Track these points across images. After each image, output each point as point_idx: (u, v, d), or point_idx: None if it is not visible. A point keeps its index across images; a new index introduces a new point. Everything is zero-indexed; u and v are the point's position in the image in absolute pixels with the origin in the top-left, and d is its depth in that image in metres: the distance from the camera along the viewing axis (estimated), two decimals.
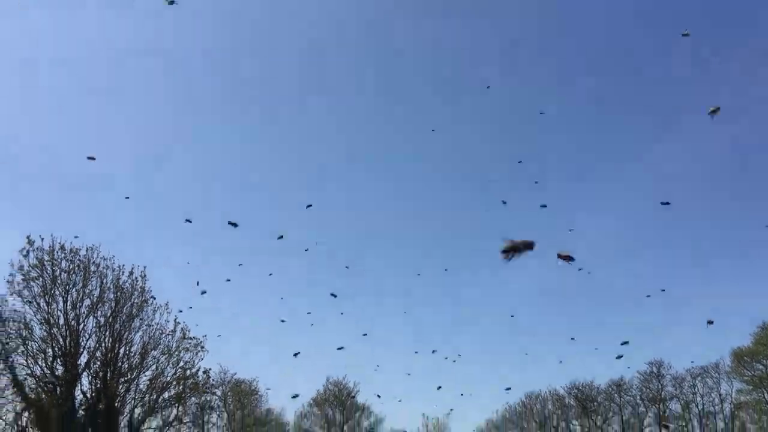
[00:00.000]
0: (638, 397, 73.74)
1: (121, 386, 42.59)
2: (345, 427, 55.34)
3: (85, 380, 41.95)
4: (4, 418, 42.59)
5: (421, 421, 55.18)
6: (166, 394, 43.85)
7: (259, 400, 51.80)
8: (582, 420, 59.53)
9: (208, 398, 45.33)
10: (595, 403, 58.38)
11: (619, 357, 46.09)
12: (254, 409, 51.20)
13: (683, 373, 79.36)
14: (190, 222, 45.52)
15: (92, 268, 42.81)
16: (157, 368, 43.59)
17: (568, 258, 10.19)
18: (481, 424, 58.06)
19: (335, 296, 42.66)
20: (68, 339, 41.55)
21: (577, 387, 58.56)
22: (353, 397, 55.39)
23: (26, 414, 40.96)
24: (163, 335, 43.99)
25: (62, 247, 41.94)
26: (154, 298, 44.09)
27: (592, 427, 59.53)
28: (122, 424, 42.57)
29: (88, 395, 41.91)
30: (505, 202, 44.15)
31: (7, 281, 39.92)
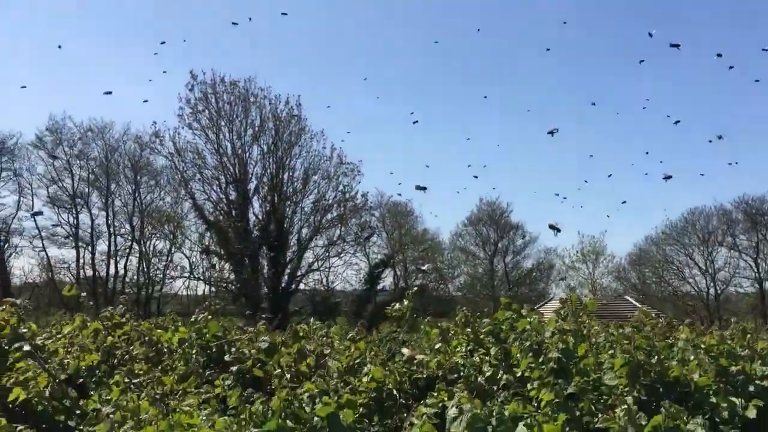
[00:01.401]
0: None
1: (287, 209, 45.84)
2: (499, 245, 53.87)
3: (255, 204, 45.98)
4: (190, 238, 48.76)
5: (577, 239, 51.52)
6: (328, 216, 46.30)
7: (415, 221, 52.30)
8: (750, 235, 50.87)
9: (367, 219, 46.71)
10: (767, 218, 49.36)
11: None
12: (411, 228, 51.91)
13: None
14: None
15: (251, 99, 45.39)
16: (318, 192, 46.00)
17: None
18: (639, 242, 52.67)
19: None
20: (237, 167, 45.51)
21: (746, 201, 49.66)
22: (507, 216, 53.42)
23: (208, 234, 46.25)
24: (322, 161, 45.74)
25: (222, 80, 45.01)
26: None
27: (761, 240, 50.69)
28: (291, 243, 46.12)
29: (260, 217, 45.96)
30: None
31: (178, 115, 44.18)
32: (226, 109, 45.64)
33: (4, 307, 5.60)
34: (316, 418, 4.11)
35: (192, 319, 5.81)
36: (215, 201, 46.17)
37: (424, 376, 6.30)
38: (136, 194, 51.10)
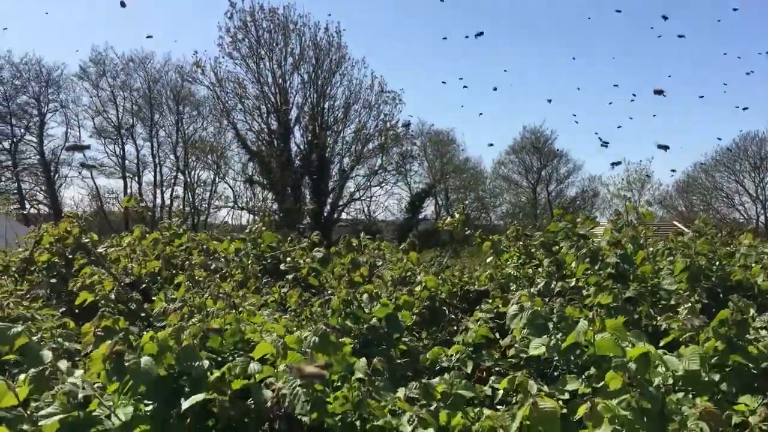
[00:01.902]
0: None
1: (329, 138, 45.78)
2: (542, 173, 53.10)
3: (297, 133, 46.00)
4: (233, 168, 49.26)
5: (623, 167, 50.15)
6: (370, 145, 46.15)
7: (457, 149, 51.72)
8: None
9: (408, 148, 46.39)
10: None
11: None
12: (452, 157, 51.43)
13: None
14: None
15: (290, 26, 44.82)
16: (359, 121, 45.71)
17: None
18: (688, 168, 51.09)
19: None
20: (278, 96, 45.36)
21: None
22: (550, 144, 52.38)
23: (251, 164, 46.66)
24: (363, 90, 45.30)
25: (261, 8, 44.44)
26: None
27: None
28: (333, 172, 46.26)
29: (301, 147, 46.05)
30: None
31: (218, 44, 43.97)
32: (265, 38, 45.22)
33: (66, 219, 5.76)
34: (374, 319, 4.18)
35: (247, 231, 5.90)
36: (257, 131, 46.33)
37: (476, 288, 6.34)
38: (179, 125, 51.55)
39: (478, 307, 5.00)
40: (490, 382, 4.08)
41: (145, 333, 2.80)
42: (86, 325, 3.08)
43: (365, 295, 4.15)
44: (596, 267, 4.63)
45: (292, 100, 45.81)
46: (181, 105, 50.94)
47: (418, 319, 5.39)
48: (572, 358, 3.68)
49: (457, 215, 6.48)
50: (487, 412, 3.25)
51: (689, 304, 3.64)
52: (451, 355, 4.44)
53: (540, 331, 3.50)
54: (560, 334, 3.53)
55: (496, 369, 4.40)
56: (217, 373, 2.72)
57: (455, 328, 5.55)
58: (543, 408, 2.81)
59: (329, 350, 2.67)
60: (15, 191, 48.24)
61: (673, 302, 4.07)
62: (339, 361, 2.72)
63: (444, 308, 5.78)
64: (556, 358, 3.77)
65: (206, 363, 2.75)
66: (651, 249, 5.08)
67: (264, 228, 5.81)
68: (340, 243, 5.53)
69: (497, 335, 4.74)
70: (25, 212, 44.11)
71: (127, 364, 2.52)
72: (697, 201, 51.84)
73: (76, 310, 5.12)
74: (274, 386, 2.65)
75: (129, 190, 50.90)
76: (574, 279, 5.34)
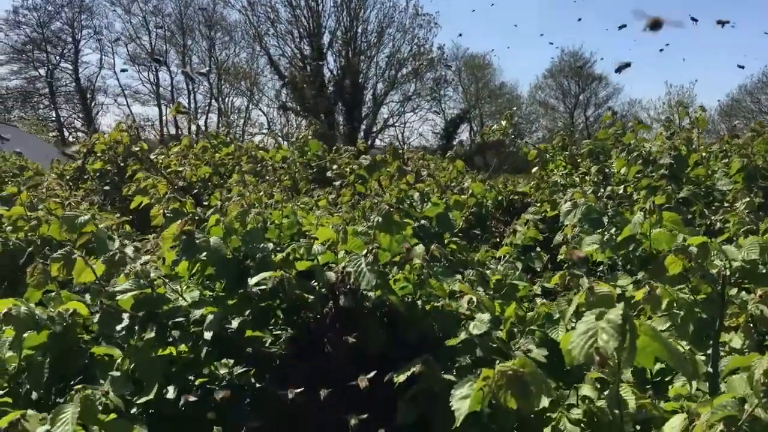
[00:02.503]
0: None
1: (362, 63, 45.21)
2: (580, 97, 51.89)
3: (330, 59, 45.48)
4: (267, 94, 49.10)
5: (665, 90, 48.45)
6: (404, 70, 45.50)
7: (493, 74, 50.62)
8: None
9: (443, 73, 45.61)
10: None
11: None
12: (488, 82, 50.45)
13: None
14: None
15: None
16: (393, 46, 44.95)
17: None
18: (732, 91, 49.27)
19: None
20: (310, 20, 44.68)
21: None
22: (590, 67, 50.89)
23: (284, 90, 46.46)
24: (397, 12, 44.31)
25: None
26: None
27: None
28: (367, 99, 45.93)
29: (334, 72, 45.63)
30: None
31: None
32: None
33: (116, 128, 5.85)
34: (423, 221, 4.23)
35: (293, 139, 5.94)
36: (290, 56, 45.93)
37: (521, 198, 6.34)
38: (212, 51, 51.25)
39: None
40: (539, 282, 4.13)
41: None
42: (155, 207, 3.18)
43: (416, 194, 4.18)
44: (648, 169, 4.58)
45: (325, 24, 45.20)
46: (213, 30, 50.51)
47: (465, 226, 5.43)
48: (626, 254, 3.69)
49: (504, 122, 6.42)
50: (540, 301, 3.30)
51: (747, 199, 3.60)
52: (500, 257, 4.49)
53: (595, 226, 3.50)
54: (614, 228, 3.53)
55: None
56: (281, 255, 2.80)
57: (499, 240, 5.59)
58: (599, 292, 2.83)
59: (392, 229, 2.72)
60: (53, 119, 48.97)
61: (727, 202, 4.03)
62: (400, 241, 2.77)
63: (489, 216, 5.80)
64: (608, 261, 3.79)
65: (271, 245, 2.83)
66: (704, 153, 4.99)
67: (310, 136, 5.83)
68: (386, 150, 5.53)
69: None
70: (64, 139, 44.83)
71: (197, 242, 2.61)
72: (741, 125, 50.43)
73: (131, 216, 5.27)
74: (337, 268, 2.72)
75: (164, 118, 51.30)
76: (622, 187, 5.30)
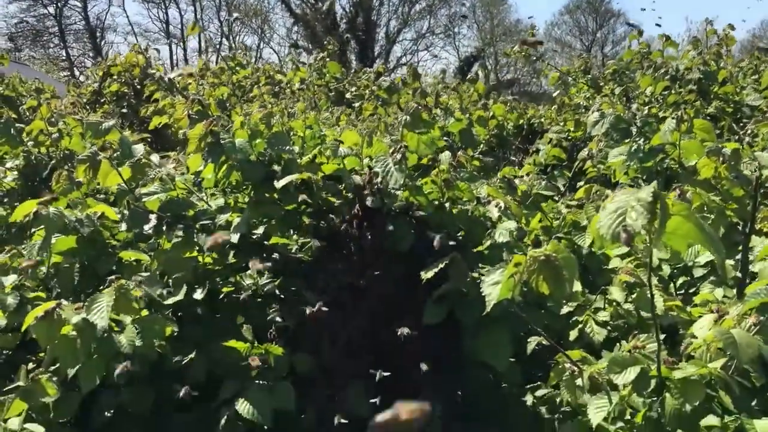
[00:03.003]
0: None
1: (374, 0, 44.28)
2: (598, 34, 50.74)
3: None
4: (278, 33, 48.35)
5: (684, 27, 47.15)
6: (417, 6, 44.56)
7: (508, 10, 49.52)
8: None
9: (458, 9, 44.62)
10: None
11: None
12: (503, 19, 49.36)
13: None
14: None
15: None
16: None
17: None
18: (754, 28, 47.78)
19: None
20: None
21: None
22: (607, 3, 49.57)
23: (295, 28, 45.72)
24: None
25: None
26: None
27: None
28: (379, 36, 45.16)
29: (346, 9, 44.75)
30: None
31: None
32: None
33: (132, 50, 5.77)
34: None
35: (310, 61, 5.85)
36: None
37: (541, 124, 6.25)
38: None
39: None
40: (562, 200, 4.10)
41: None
42: (178, 109, 3.15)
43: (438, 110, 4.12)
44: (676, 85, 4.49)
45: None
46: None
47: (486, 148, 5.38)
48: (650, 173, 3.64)
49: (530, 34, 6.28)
50: (566, 210, 3.28)
51: None
52: (522, 176, 4.45)
53: (623, 136, 3.44)
54: (643, 139, 3.47)
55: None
56: (307, 157, 2.77)
57: (520, 165, 5.53)
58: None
59: (420, 128, 2.68)
60: (64, 58, 48.56)
61: (760, 112, 3.94)
62: (428, 143, 2.74)
63: (510, 141, 5.74)
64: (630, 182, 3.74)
65: (297, 148, 2.80)
66: (733, 70, 4.87)
67: (328, 58, 5.74)
68: (407, 71, 5.43)
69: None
70: (75, 78, 44.57)
71: (222, 142, 2.58)
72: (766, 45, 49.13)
73: (149, 138, 5.25)
74: (364, 170, 2.70)
75: (174, 56, 50.71)
76: (647, 108, 5.20)
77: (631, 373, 1.84)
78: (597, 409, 1.88)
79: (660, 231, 1.61)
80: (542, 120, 6.23)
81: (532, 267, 1.70)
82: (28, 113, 5.67)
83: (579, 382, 1.96)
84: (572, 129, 4.86)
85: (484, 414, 3.12)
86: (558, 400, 2.77)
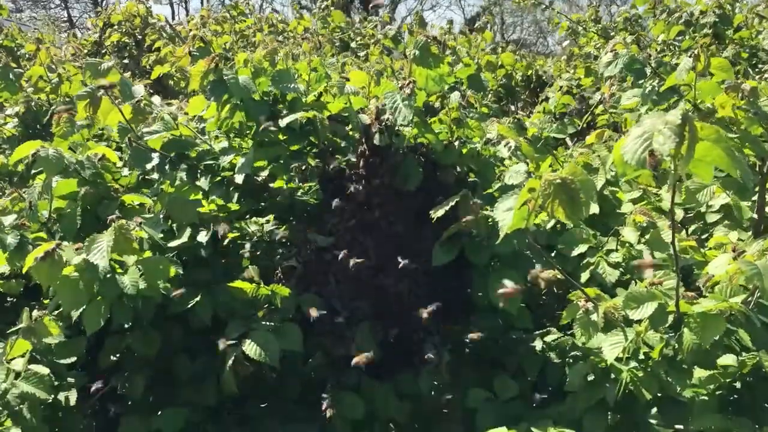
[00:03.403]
0: None
1: None
2: None
3: None
4: None
5: None
6: None
7: None
8: None
9: None
10: None
11: None
12: None
13: None
14: None
15: None
16: None
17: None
18: None
19: None
20: None
21: None
22: None
23: None
24: None
25: None
26: None
27: None
28: None
29: None
30: None
31: None
32: None
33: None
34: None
35: (314, 11, 5.72)
36: None
37: (550, 73, 6.12)
38: None
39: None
40: (573, 147, 4.01)
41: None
42: (180, 48, 3.06)
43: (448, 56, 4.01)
44: (690, 30, 4.36)
45: None
46: None
47: (494, 99, 5.28)
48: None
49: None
50: (578, 152, 3.20)
51: None
52: (534, 122, 4.36)
53: (638, 76, 3.34)
54: (657, 80, 3.37)
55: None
56: (313, 95, 2.69)
57: (528, 116, 5.43)
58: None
59: (430, 63, 2.59)
60: (65, 19, 48.05)
61: None
62: (436, 79, 2.65)
63: (519, 90, 5.63)
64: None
65: (302, 86, 2.72)
66: (749, 15, 4.73)
67: (332, 7, 5.61)
68: (413, 18, 5.31)
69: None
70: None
71: (225, 78, 2.50)
72: None
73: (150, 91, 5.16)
74: (371, 108, 2.62)
75: (176, 18, 50.12)
76: (660, 56, 5.07)
77: (649, 308, 1.78)
78: (612, 346, 1.84)
79: (688, 156, 1.54)
80: (550, 72, 6.11)
81: (547, 191, 1.63)
82: (28, 65, 5.59)
83: (594, 317, 1.90)
84: (582, 77, 4.75)
85: (492, 360, 3.09)
86: (568, 344, 2.74)
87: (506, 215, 1.77)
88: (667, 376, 1.97)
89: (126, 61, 5.42)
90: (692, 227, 3.43)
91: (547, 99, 4.52)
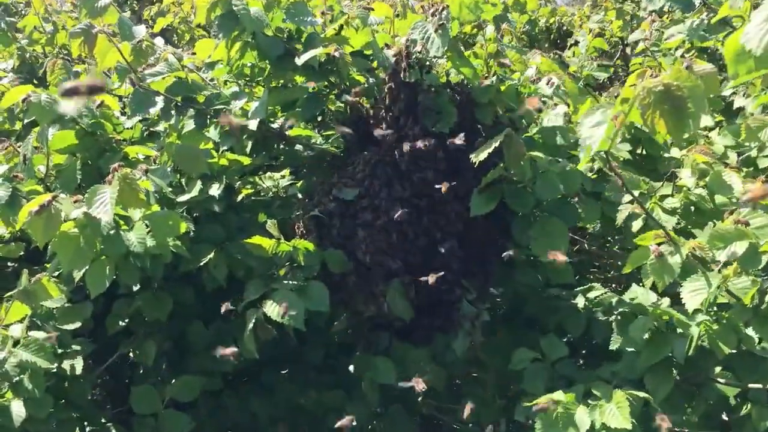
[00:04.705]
0: None
1: None
2: None
3: None
4: None
5: None
6: None
7: None
8: None
9: None
10: None
11: None
12: None
13: None
14: None
15: None
16: None
17: None
18: None
19: None
20: None
21: None
22: None
23: None
24: None
25: None
26: None
27: None
28: None
29: None
30: None
31: None
32: None
33: None
34: None
35: None
36: None
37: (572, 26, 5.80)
38: None
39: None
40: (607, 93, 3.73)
41: None
42: None
43: None
44: None
45: None
46: None
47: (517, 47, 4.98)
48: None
49: None
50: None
51: None
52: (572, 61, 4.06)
53: (686, 7, 3.05)
54: (706, 13, 3.08)
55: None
56: (332, 29, 2.42)
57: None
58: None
59: None
60: None
61: None
62: (471, 7, 2.38)
63: (542, 38, 5.32)
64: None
65: (319, 20, 2.45)
66: None
67: None
68: None
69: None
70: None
71: (235, 8, 2.23)
72: None
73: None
74: (399, 42, 2.35)
75: None
76: None
77: (738, 247, 1.53)
78: (693, 293, 1.59)
79: None
80: (575, 21, 5.78)
81: (647, 100, 1.36)
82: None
83: (672, 260, 1.65)
84: (614, 19, 4.44)
85: (527, 320, 2.87)
86: (613, 300, 2.49)
87: (594, 131, 1.47)
88: (746, 328, 1.73)
89: (127, 14, 5.13)
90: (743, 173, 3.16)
91: (576, 43, 4.22)
